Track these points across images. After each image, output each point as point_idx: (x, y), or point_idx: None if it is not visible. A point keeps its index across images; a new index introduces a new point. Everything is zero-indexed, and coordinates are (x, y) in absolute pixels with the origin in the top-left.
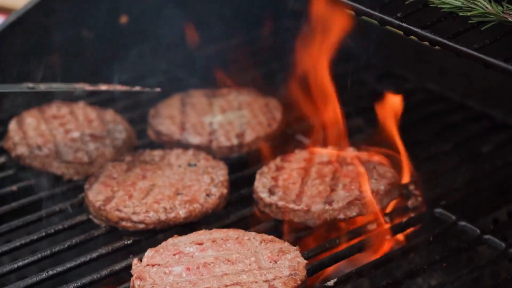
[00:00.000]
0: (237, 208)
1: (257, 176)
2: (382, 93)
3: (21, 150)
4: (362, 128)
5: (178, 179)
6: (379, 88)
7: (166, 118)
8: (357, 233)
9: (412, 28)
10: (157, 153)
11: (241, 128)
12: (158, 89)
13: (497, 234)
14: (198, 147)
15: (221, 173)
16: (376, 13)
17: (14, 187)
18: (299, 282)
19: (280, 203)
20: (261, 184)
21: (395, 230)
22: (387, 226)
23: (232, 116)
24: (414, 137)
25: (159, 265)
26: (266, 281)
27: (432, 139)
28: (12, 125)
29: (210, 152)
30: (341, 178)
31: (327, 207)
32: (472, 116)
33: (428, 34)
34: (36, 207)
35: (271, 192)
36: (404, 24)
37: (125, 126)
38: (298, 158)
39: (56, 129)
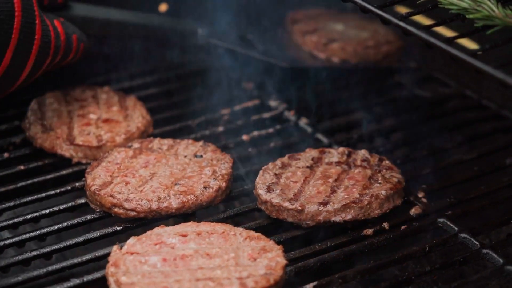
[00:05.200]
0: (242, 203)
1: (260, 172)
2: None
3: (34, 130)
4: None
5: (180, 170)
6: (416, 92)
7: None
8: (351, 237)
9: (408, 28)
10: (166, 142)
11: (340, 38)
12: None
13: (498, 249)
14: None
15: (224, 166)
16: (377, 11)
17: (22, 167)
18: (271, 282)
19: (275, 201)
20: (262, 181)
21: (391, 236)
22: (384, 232)
23: (350, 31)
24: (440, 143)
25: (137, 253)
26: (239, 278)
27: (458, 146)
28: (32, 105)
29: None
30: (345, 180)
31: (321, 208)
32: (505, 127)
33: (423, 35)
34: (40, 187)
35: (269, 189)
36: (402, 23)
37: (142, 114)
38: (306, 156)
39: (75, 112)
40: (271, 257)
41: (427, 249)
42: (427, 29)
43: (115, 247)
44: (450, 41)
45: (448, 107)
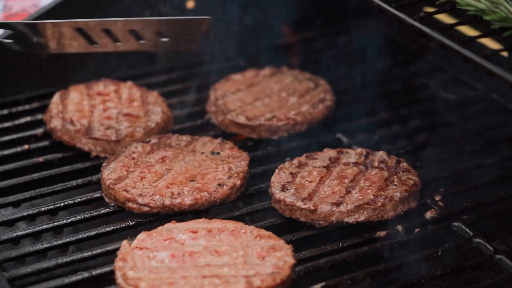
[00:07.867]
0: (257, 201)
1: (276, 171)
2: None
3: (55, 123)
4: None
5: (196, 166)
6: (442, 94)
7: None
8: (363, 238)
9: (423, 28)
10: (185, 138)
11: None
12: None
13: None
14: None
15: (240, 164)
16: (393, 10)
17: (40, 159)
18: (278, 281)
19: (288, 200)
20: (277, 179)
21: (404, 239)
22: (396, 234)
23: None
24: (462, 147)
25: (146, 248)
26: (245, 276)
27: (481, 150)
28: (55, 99)
29: None
30: (361, 181)
31: (334, 208)
32: None
33: (438, 36)
34: (57, 180)
35: (284, 188)
36: (416, 23)
37: (163, 109)
38: (324, 156)
39: (96, 106)
40: (279, 256)
41: (440, 252)
42: (442, 30)
43: (124, 242)
44: (464, 43)
45: (473, 110)
